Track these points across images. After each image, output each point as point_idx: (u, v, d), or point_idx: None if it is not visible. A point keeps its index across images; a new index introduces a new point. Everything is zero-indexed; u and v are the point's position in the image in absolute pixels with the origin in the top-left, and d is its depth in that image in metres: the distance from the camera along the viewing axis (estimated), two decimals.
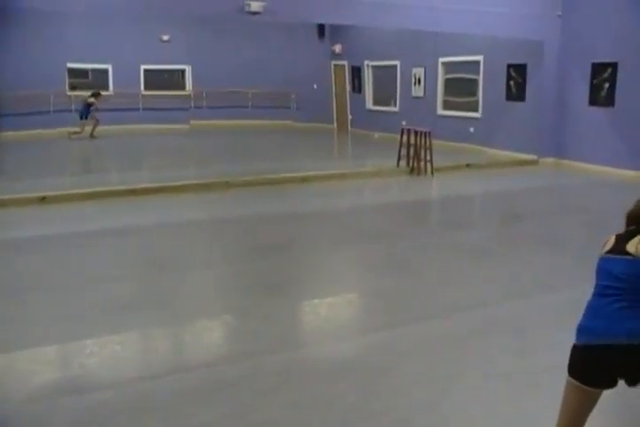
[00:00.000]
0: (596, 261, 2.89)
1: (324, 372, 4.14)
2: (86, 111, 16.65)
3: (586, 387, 2.75)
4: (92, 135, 16.72)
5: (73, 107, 17.36)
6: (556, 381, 3.40)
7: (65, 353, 4.62)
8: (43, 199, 9.32)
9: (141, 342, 4.86)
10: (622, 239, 2.86)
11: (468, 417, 3.59)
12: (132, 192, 9.99)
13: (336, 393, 3.84)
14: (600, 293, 2.83)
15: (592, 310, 2.84)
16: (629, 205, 2.99)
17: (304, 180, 11.36)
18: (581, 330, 2.82)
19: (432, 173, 12.38)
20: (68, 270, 6.39)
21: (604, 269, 2.85)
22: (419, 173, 12.40)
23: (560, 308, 5.28)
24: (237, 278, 6.32)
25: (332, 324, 5.08)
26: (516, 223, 8.71)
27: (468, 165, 13.21)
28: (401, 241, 7.62)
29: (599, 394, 2.78)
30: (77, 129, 16.63)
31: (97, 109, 16.74)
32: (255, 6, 10.75)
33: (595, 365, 2.76)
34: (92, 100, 16.67)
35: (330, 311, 5.39)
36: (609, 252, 2.86)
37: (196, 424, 3.52)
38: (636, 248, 2.79)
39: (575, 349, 2.81)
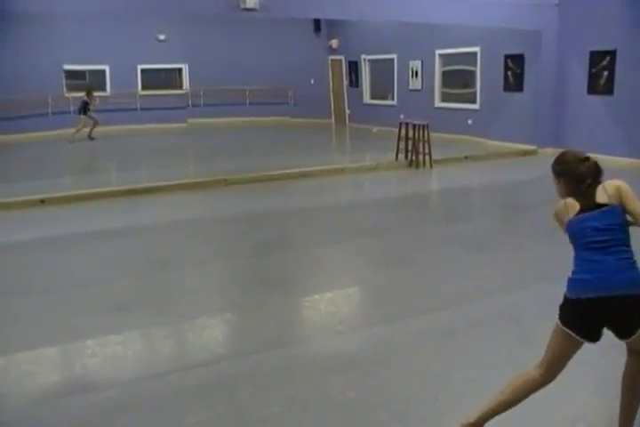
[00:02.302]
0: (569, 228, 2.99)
1: (324, 367, 4.14)
2: (83, 108, 16.60)
3: (576, 337, 2.90)
4: (90, 136, 16.69)
5: (71, 108, 17.36)
6: None
7: (66, 354, 4.63)
8: (43, 201, 9.34)
9: (142, 342, 4.86)
10: (583, 198, 2.96)
11: (466, 410, 3.58)
12: (132, 192, 10.00)
13: (335, 388, 3.84)
14: (590, 247, 2.90)
15: (584, 265, 2.92)
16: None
17: (303, 175, 11.36)
18: (575, 283, 2.92)
19: (431, 165, 12.36)
20: (68, 271, 6.41)
21: (588, 227, 2.92)
22: (417, 166, 12.38)
23: (557, 298, 5.28)
24: (237, 275, 6.33)
25: (331, 319, 5.08)
26: (514, 214, 8.69)
27: (466, 157, 13.19)
28: (400, 235, 7.62)
29: (582, 343, 2.95)
30: (78, 127, 16.54)
31: (92, 110, 16.66)
32: (250, 3, 10.74)
33: (586, 317, 2.88)
34: (85, 98, 16.62)
35: (329, 306, 5.39)
36: (581, 212, 2.95)
37: (198, 422, 3.53)
38: (608, 197, 2.93)
39: (568, 301, 2.93)
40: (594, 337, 2.92)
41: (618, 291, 2.81)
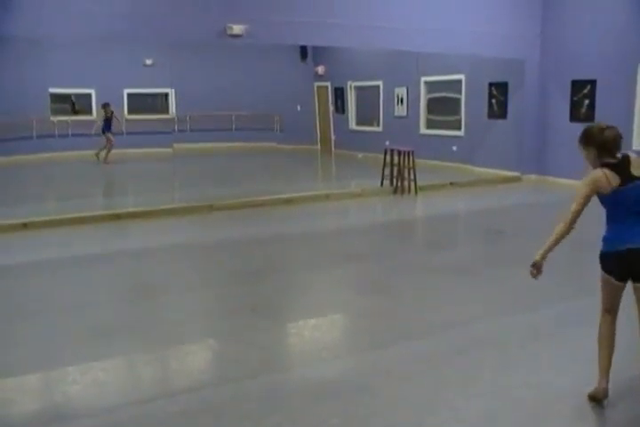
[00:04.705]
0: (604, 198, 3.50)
1: (308, 394, 4.11)
2: (107, 126, 16.77)
3: (611, 278, 3.65)
4: (96, 156, 16.78)
5: (56, 132, 17.34)
6: (537, 398, 3.39)
7: (47, 380, 4.57)
8: (25, 225, 9.27)
9: (125, 368, 4.81)
10: (621, 170, 3.43)
11: None
12: (117, 217, 9.97)
13: (319, 416, 3.81)
14: (634, 212, 3.46)
15: (616, 227, 3.55)
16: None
17: (288, 201, 11.38)
18: (609, 240, 3.61)
19: (416, 192, 12.43)
20: (50, 297, 6.34)
21: (633, 196, 3.46)
22: (402, 193, 12.44)
23: (541, 325, 5.31)
24: (222, 302, 6.29)
25: (315, 346, 5.06)
26: (498, 242, 8.74)
27: (451, 184, 13.28)
28: (385, 261, 7.62)
29: (620, 292, 3.70)
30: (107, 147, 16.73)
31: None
32: (236, 29, 10.85)
33: (617, 262, 3.59)
34: (103, 114, 16.84)
35: (314, 333, 5.37)
36: (623, 184, 3.42)
37: None
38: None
39: (603, 254, 3.67)
40: (621, 278, 3.64)
41: (626, 245, 3.50)
